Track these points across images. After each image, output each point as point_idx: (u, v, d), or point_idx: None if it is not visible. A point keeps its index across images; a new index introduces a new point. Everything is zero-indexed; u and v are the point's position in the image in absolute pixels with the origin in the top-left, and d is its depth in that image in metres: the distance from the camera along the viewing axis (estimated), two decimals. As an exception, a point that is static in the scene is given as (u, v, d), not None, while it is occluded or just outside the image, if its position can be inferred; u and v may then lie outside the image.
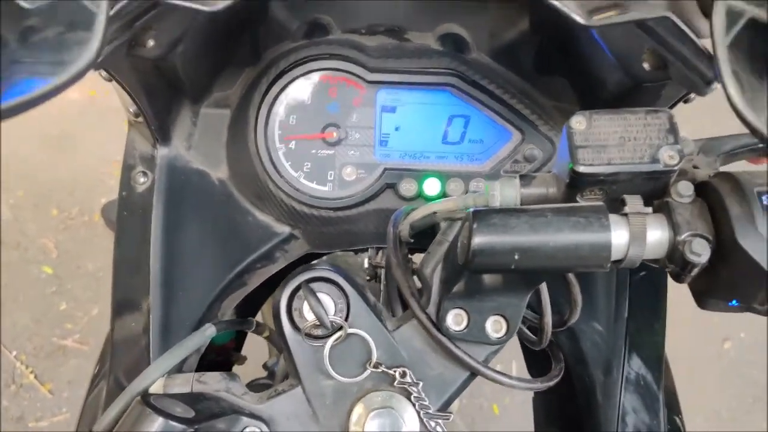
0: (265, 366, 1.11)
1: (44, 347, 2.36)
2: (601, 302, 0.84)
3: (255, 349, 1.23)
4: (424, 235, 0.71)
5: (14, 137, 2.72)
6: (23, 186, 2.67)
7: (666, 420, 0.83)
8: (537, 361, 0.94)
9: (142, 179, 0.86)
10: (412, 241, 0.71)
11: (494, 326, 0.62)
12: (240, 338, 1.12)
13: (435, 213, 0.68)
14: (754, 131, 0.44)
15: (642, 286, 0.84)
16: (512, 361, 2.22)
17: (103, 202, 2.63)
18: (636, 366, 0.83)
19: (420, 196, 0.84)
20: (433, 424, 0.61)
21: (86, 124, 2.79)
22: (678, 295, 2.50)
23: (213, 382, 0.65)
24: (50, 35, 0.44)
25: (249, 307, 0.95)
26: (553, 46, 0.78)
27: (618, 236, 0.53)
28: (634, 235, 0.54)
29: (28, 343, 2.37)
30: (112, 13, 0.48)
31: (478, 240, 0.53)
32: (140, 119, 0.81)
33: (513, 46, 0.84)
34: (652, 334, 0.84)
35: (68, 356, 2.35)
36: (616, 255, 0.54)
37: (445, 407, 0.64)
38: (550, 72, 0.84)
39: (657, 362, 0.84)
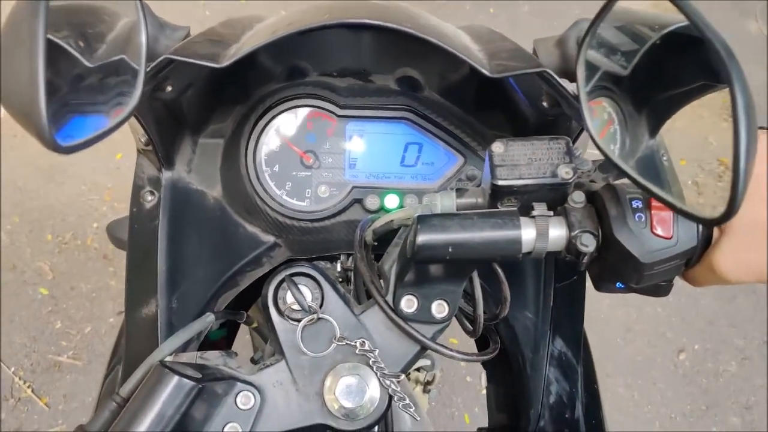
0: (252, 360, 1.22)
1: (41, 363, 2.40)
2: (531, 295, 0.95)
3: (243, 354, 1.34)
4: (386, 242, 0.78)
5: (9, 168, 2.78)
6: (18, 213, 2.72)
7: (584, 387, 0.94)
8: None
9: (149, 197, 0.94)
10: (375, 244, 0.78)
11: (438, 308, 0.71)
12: (230, 336, 1.19)
13: (392, 221, 0.76)
14: (606, 156, 0.59)
15: (564, 281, 0.94)
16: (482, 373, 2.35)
17: (95, 227, 2.68)
18: (559, 345, 0.94)
19: (382, 209, 0.93)
20: (388, 382, 0.71)
21: (75, 156, 2.84)
22: (642, 315, 2.70)
23: (213, 358, 0.75)
24: (103, 88, 0.57)
25: (239, 306, 1.03)
26: (490, 85, 0.84)
27: (527, 233, 0.64)
28: (539, 232, 0.64)
29: (26, 359, 2.41)
30: (148, 69, 0.61)
31: (421, 238, 0.62)
32: (149, 147, 0.90)
33: (458, 86, 0.93)
34: (572, 320, 0.95)
35: (63, 371, 2.39)
36: (526, 248, 0.64)
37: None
38: (489, 106, 0.94)
39: (576, 342, 0.95)
